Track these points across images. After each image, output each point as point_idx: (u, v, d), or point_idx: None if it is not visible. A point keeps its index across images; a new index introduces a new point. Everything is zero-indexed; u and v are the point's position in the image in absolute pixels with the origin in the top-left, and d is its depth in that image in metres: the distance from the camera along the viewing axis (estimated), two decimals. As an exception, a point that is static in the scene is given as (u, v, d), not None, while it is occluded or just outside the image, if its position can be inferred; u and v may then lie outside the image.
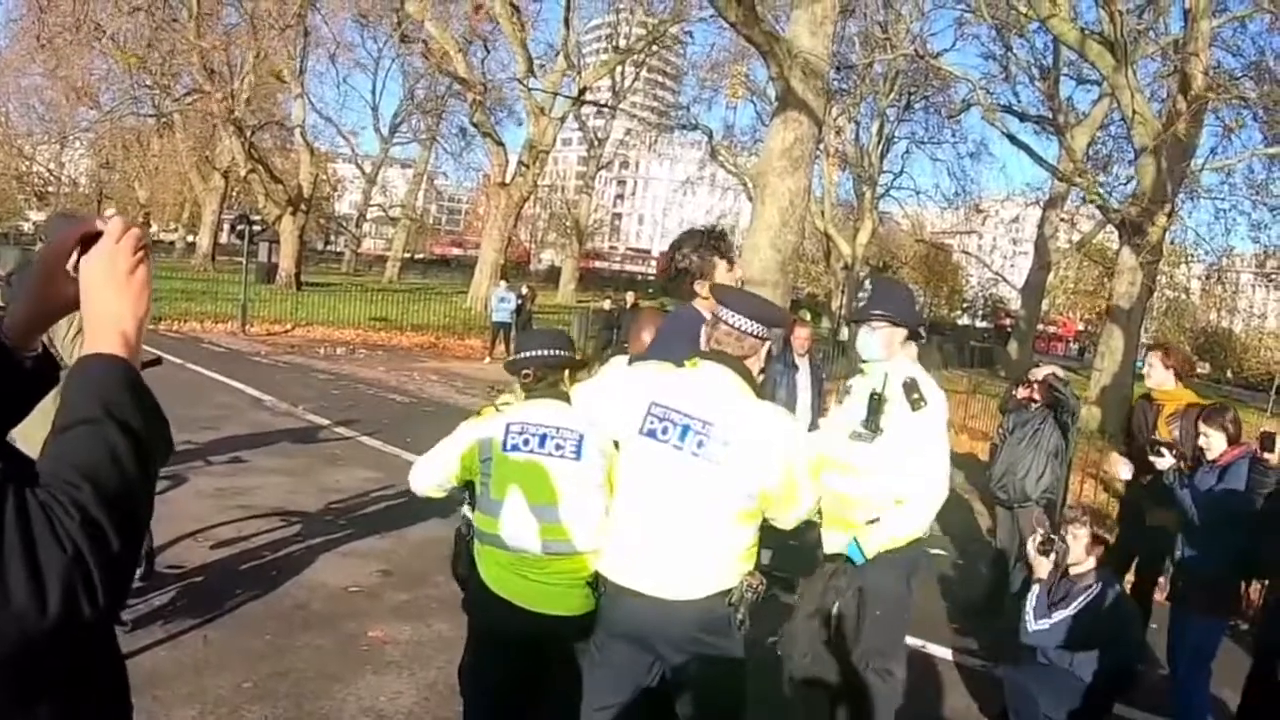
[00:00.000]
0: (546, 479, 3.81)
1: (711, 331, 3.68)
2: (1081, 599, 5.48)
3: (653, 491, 3.53)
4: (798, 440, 3.63)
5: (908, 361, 4.77)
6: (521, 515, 3.81)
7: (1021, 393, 8.29)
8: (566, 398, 4.01)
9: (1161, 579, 7.56)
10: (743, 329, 3.61)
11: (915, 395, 4.51)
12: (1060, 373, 8.17)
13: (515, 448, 3.86)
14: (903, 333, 4.72)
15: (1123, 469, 7.09)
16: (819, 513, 4.49)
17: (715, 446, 3.44)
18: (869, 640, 4.64)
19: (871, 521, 4.56)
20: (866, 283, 5.03)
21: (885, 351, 4.67)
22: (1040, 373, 8.25)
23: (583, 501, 3.81)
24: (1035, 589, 5.70)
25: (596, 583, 3.69)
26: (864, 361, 4.80)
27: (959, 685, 6.63)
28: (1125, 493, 7.75)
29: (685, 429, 3.48)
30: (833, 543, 4.79)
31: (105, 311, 1.51)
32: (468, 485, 4.07)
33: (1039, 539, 5.88)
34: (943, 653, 7.03)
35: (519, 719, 4.03)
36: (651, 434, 3.53)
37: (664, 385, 3.63)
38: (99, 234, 1.55)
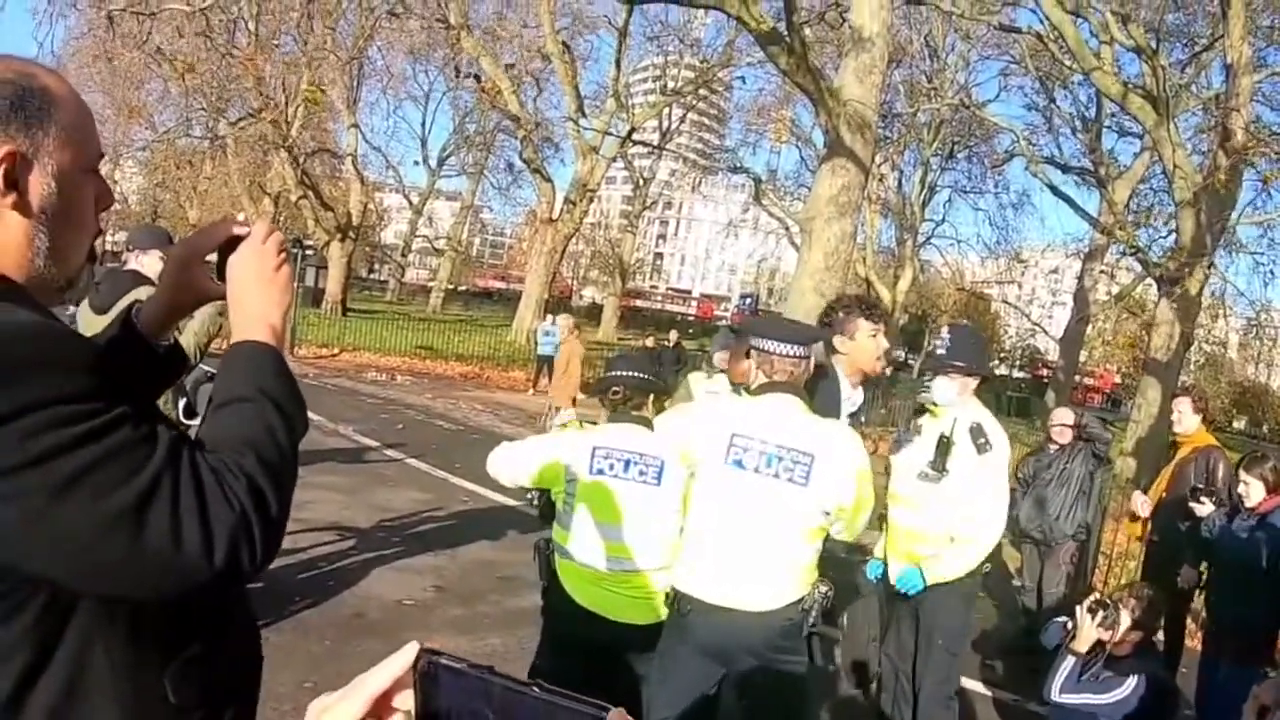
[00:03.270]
0: (627, 503, 4.06)
1: (771, 366, 3.92)
2: (1121, 690, 4.99)
3: (740, 515, 3.78)
4: (865, 455, 3.88)
5: (976, 405, 5.03)
6: (594, 533, 4.08)
7: (1052, 447, 8.38)
8: (648, 422, 4.24)
9: (1190, 623, 7.70)
10: (792, 354, 3.87)
11: (981, 440, 4.77)
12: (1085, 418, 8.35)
13: (600, 471, 4.10)
14: (975, 380, 5.01)
15: (1143, 507, 7.26)
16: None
17: (798, 470, 3.70)
18: (934, 670, 4.89)
19: (932, 556, 4.84)
20: (944, 332, 5.23)
21: (959, 398, 4.94)
22: (1067, 416, 8.42)
23: (657, 525, 4.06)
24: (1069, 659, 5.19)
25: (673, 600, 3.91)
26: (934, 404, 5.06)
27: (993, 718, 6.82)
28: (1147, 533, 7.80)
29: (767, 456, 3.74)
30: (896, 575, 5.08)
31: (254, 305, 1.67)
32: (544, 497, 4.38)
33: (1091, 603, 5.64)
34: (975, 685, 7.17)
35: None
36: (738, 463, 3.78)
37: (742, 416, 3.89)
38: (238, 238, 1.73)
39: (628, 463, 4.11)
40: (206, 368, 7.81)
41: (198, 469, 1.38)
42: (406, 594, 7.39)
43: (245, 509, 1.39)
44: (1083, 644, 5.26)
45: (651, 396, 4.37)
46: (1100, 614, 5.17)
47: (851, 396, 4.63)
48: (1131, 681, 4.98)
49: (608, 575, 4.10)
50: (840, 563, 5.16)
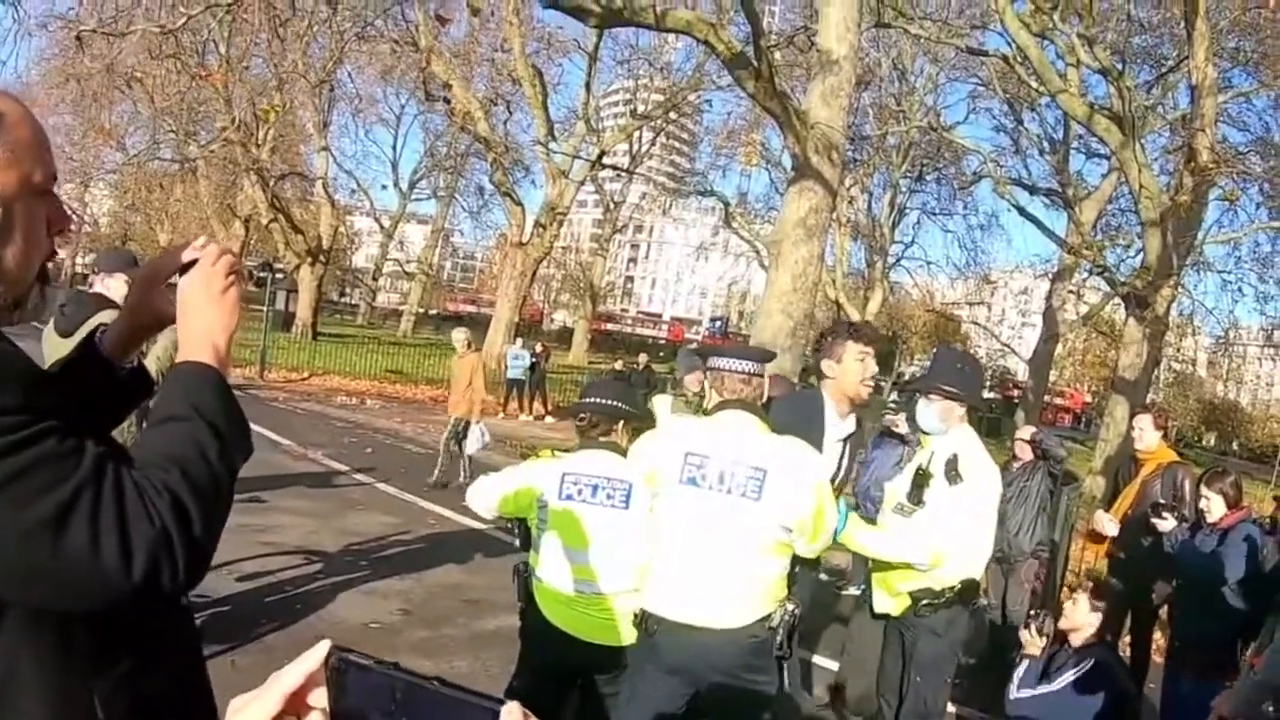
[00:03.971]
0: (595, 527, 4.12)
1: (721, 384, 3.97)
2: (1073, 673, 5.36)
3: (698, 532, 3.79)
4: (823, 470, 3.91)
5: (964, 434, 4.89)
6: (565, 557, 4.14)
7: (1015, 464, 8.45)
8: (618, 448, 4.28)
9: (1158, 635, 7.74)
10: (748, 370, 3.92)
11: (953, 472, 4.67)
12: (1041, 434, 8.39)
13: (569, 496, 4.16)
14: (958, 406, 4.85)
15: (1109, 525, 7.32)
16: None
17: (751, 485, 3.71)
18: (911, 702, 4.88)
19: (912, 591, 4.83)
20: (932, 353, 5.21)
21: (942, 424, 4.83)
22: (1026, 432, 8.48)
23: (625, 548, 4.10)
24: (1025, 663, 5.63)
25: (641, 620, 3.92)
26: (924, 433, 5.01)
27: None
28: (1112, 551, 7.89)
29: (722, 472, 3.75)
30: (879, 604, 5.07)
31: (199, 326, 1.68)
32: (521, 524, 4.43)
33: (1027, 619, 5.96)
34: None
35: None
36: (692, 480, 3.79)
37: (695, 435, 3.91)
38: (195, 261, 1.74)
39: (595, 487, 4.17)
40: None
41: (121, 484, 1.38)
42: (373, 617, 7.39)
43: (166, 526, 1.39)
44: (1032, 649, 5.59)
45: (622, 423, 4.39)
46: (1033, 623, 5.67)
47: (837, 425, 4.64)
48: (1070, 674, 5.29)
49: (579, 598, 4.14)
50: (818, 586, 5.17)
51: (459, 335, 14.11)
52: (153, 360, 5.64)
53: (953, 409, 4.83)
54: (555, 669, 4.32)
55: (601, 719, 4.21)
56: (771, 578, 3.80)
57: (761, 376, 3.99)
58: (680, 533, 3.85)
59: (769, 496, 3.71)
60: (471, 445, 12.82)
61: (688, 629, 3.74)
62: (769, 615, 3.75)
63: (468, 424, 12.97)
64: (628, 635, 4.06)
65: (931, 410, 4.83)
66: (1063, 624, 5.68)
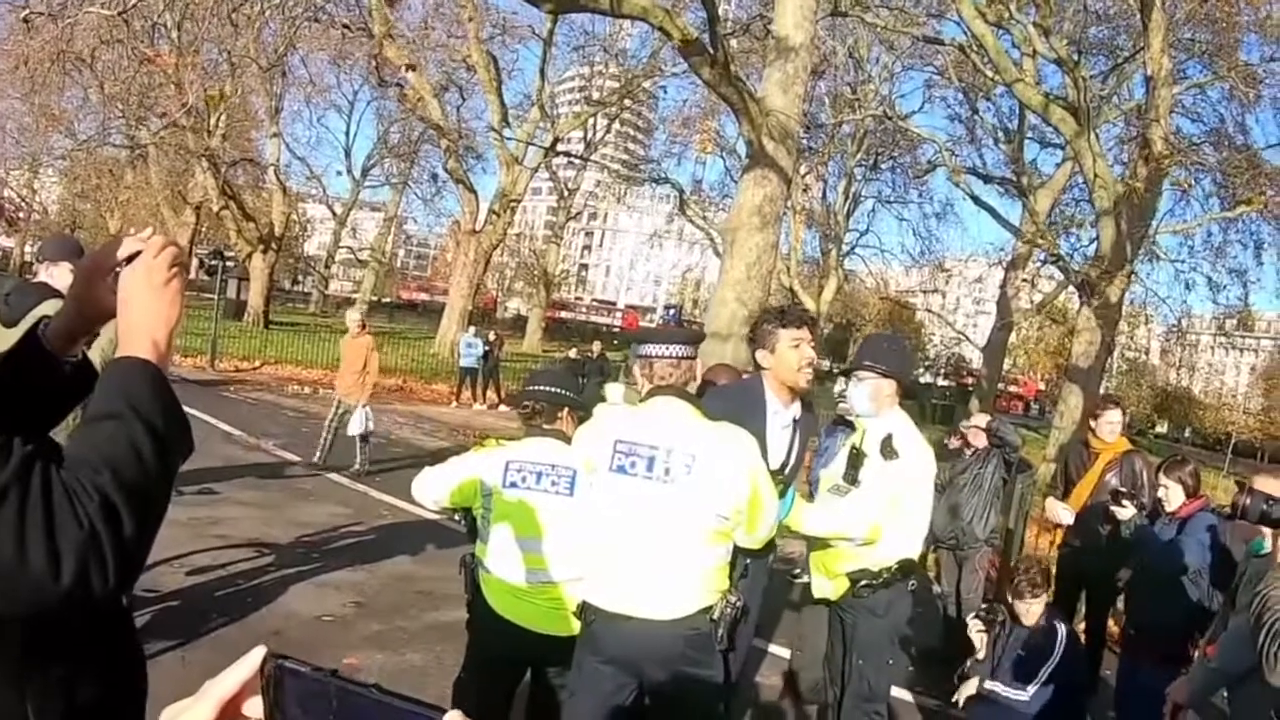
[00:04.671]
0: (539, 514, 4.06)
1: (650, 370, 3.89)
2: (1026, 635, 5.73)
3: (631, 521, 3.71)
4: (757, 454, 3.80)
5: (897, 415, 4.83)
6: (512, 547, 4.08)
7: (954, 442, 8.49)
8: (563, 436, 4.22)
9: (1112, 623, 7.77)
10: (676, 355, 3.85)
11: (888, 449, 4.60)
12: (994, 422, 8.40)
13: (513, 484, 4.10)
14: (891, 385, 4.79)
15: (1064, 514, 7.32)
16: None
17: (681, 470, 3.63)
18: (854, 684, 4.82)
19: (850, 572, 4.78)
20: (864, 337, 5.12)
21: (873, 404, 4.77)
22: (980, 420, 8.47)
23: (571, 535, 4.03)
24: (977, 668, 5.83)
25: (581, 611, 3.85)
26: (856, 415, 4.95)
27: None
28: (1065, 540, 7.89)
29: (652, 459, 3.68)
30: (818, 588, 5.03)
31: (139, 319, 1.63)
32: (468, 515, 4.35)
33: (970, 621, 6.05)
34: (898, 692, 7.16)
35: None
36: (621, 469, 3.71)
37: (624, 422, 3.84)
38: (139, 252, 1.69)
39: (540, 475, 4.11)
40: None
41: (49, 486, 1.35)
42: (325, 610, 7.29)
43: (95, 528, 1.36)
44: (980, 650, 5.82)
45: (567, 410, 4.34)
46: (978, 623, 5.88)
47: (780, 413, 4.54)
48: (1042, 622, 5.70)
49: (526, 588, 4.09)
50: (771, 574, 5.11)
51: (353, 315, 13.93)
52: (97, 353, 5.51)
53: (882, 388, 4.77)
54: (504, 661, 4.27)
55: (552, 711, 4.16)
56: (709, 567, 3.71)
57: (692, 360, 3.90)
58: (613, 522, 3.78)
59: (700, 483, 3.63)
60: (354, 428, 12.57)
61: (624, 619, 3.67)
62: (710, 607, 3.67)
63: (350, 407, 12.74)
64: (577, 625, 3.99)
65: (862, 390, 4.78)
66: (983, 636, 5.95)
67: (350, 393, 12.81)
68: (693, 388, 3.99)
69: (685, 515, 3.65)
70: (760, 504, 3.75)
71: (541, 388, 4.36)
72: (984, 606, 6.11)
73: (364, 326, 13.43)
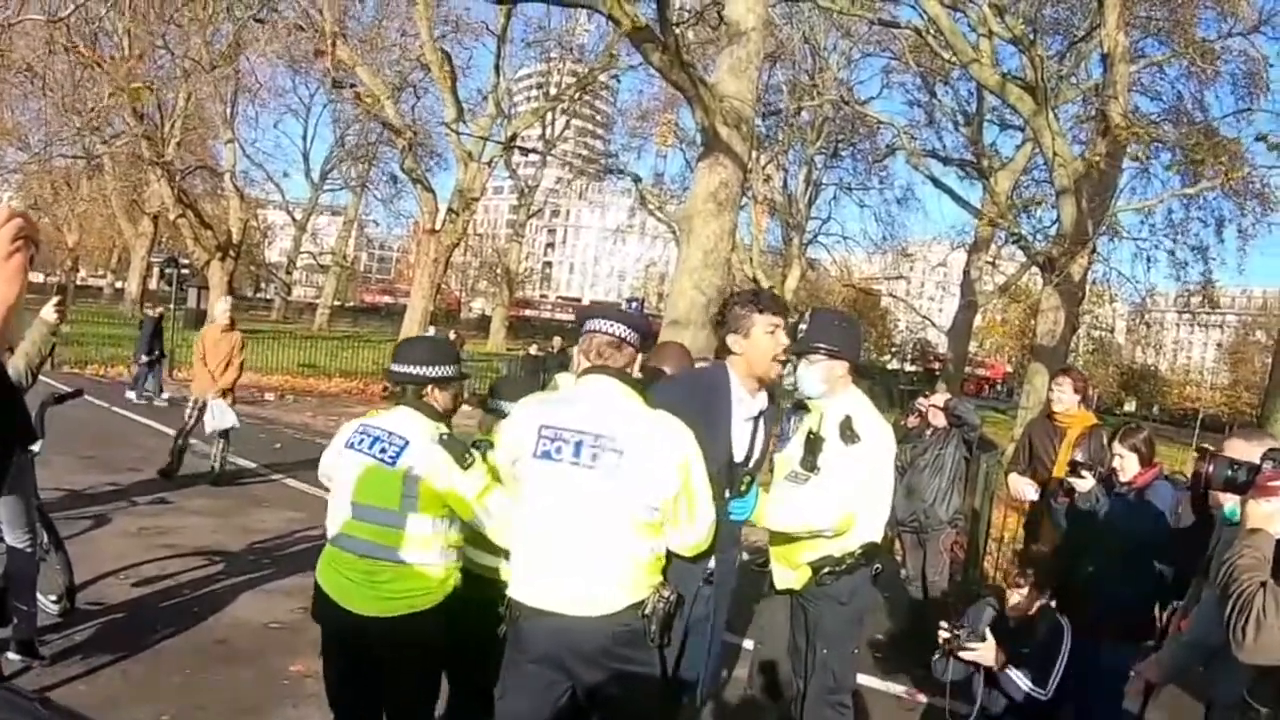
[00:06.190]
0: (364, 478, 3.98)
1: (591, 345, 3.72)
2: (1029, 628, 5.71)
3: (555, 510, 3.55)
4: (693, 446, 3.61)
5: (852, 395, 4.65)
6: (336, 509, 4.05)
7: (912, 421, 8.38)
8: (427, 409, 4.11)
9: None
10: (618, 335, 3.68)
11: (849, 431, 4.42)
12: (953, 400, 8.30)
13: (351, 445, 4.08)
14: (843, 365, 4.60)
15: (1028, 490, 7.21)
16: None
17: (609, 457, 3.47)
18: (820, 677, 4.66)
19: (812, 561, 4.60)
20: (806, 315, 4.89)
21: (824, 385, 4.58)
22: (939, 399, 8.36)
23: (392, 506, 3.92)
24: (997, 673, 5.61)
25: (507, 608, 3.71)
26: (808, 398, 4.72)
27: (892, 713, 6.80)
28: (1029, 514, 7.82)
29: (578, 445, 3.51)
30: (779, 579, 4.84)
31: None
32: None
33: (967, 633, 5.82)
34: (865, 678, 7.03)
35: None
36: (546, 455, 3.55)
37: (550, 407, 3.69)
38: None
39: (375, 439, 4.05)
40: (61, 389, 7.49)
41: None
42: (273, 617, 7.13)
43: None
44: (989, 658, 5.58)
45: (430, 387, 4.22)
46: (960, 634, 5.63)
47: (745, 402, 4.31)
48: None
49: (338, 555, 4.01)
50: (741, 567, 4.95)
51: (221, 306, 13.42)
52: (20, 358, 5.31)
53: (834, 369, 4.58)
54: (333, 640, 4.13)
55: (407, 701, 4.10)
56: (640, 560, 3.54)
57: (635, 347, 3.73)
58: (533, 510, 3.62)
59: (628, 471, 3.46)
60: (222, 421, 11.96)
61: (548, 614, 3.51)
62: (642, 602, 3.51)
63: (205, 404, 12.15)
64: (382, 607, 3.88)
65: (813, 372, 4.58)
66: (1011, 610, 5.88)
67: (206, 389, 12.27)
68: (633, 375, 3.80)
69: (614, 504, 3.49)
70: (693, 502, 3.59)
71: (399, 369, 4.18)
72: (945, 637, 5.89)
73: (233, 322, 12.82)
